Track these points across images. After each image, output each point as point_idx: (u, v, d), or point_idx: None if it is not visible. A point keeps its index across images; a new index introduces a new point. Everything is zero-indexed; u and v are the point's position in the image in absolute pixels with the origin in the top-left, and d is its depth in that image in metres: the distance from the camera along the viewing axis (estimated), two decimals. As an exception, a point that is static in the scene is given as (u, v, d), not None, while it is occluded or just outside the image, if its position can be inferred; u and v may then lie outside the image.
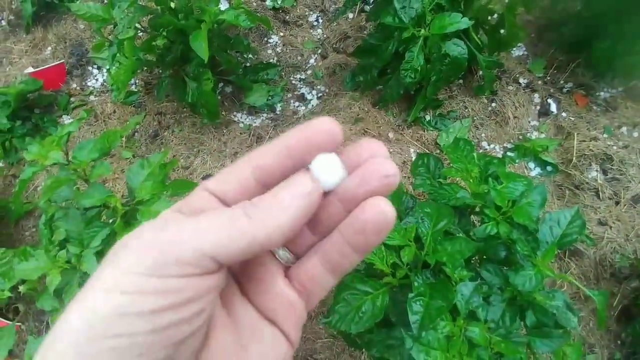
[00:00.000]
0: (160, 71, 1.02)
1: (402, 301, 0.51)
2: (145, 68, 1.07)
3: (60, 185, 0.61)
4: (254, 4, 1.28)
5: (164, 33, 0.83)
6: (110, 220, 0.63)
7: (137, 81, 1.13)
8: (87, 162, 0.60)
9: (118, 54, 0.87)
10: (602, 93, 1.00)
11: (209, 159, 1.05)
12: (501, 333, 0.51)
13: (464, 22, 0.70)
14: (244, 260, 0.15)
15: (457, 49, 0.73)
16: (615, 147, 0.93)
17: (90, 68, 1.19)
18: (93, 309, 0.13)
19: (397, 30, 0.74)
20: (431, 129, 0.96)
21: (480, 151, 0.95)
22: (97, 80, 1.17)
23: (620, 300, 0.84)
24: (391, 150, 0.93)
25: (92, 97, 1.15)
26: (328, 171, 0.16)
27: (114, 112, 1.13)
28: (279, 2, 1.26)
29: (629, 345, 0.84)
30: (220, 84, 1.11)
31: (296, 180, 0.15)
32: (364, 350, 0.73)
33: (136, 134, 1.05)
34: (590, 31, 0.92)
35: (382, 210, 0.15)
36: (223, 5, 1.28)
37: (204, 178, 1.01)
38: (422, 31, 0.68)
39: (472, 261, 0.59)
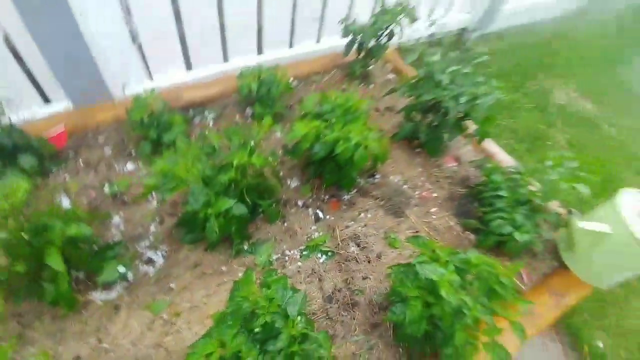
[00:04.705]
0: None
1: None
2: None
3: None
4: (93, 193, 1.57)
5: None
6: None
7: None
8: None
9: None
10: (345, 197, 1.64)
11: (72, 342, 1.18)
12: None
13: (237, 208, 1.18)
14: None
15: (239, 209, 1.20)
16: (361, 229, 1.53)
17: None
18: None
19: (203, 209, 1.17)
20: (250, 254, 1.38)
21: (287, 257, 1.41)
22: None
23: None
24: (225, 279, 1.30)
25: None
26: None
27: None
28: (116, 188, 1.58)
29: None
30: (72, 271, 1.30)
31: None
32: None
33: (-2, 341, 1.13)
34: (320, 167, 1.56)
35: None
36: (64, 202, 1.52)
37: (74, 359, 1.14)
38: (210, 210, 1.13)
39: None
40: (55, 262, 0.99)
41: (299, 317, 0.92)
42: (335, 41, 2.48)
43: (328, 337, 0.95)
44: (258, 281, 1.09)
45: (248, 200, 1.26)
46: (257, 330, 0.90)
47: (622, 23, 4.85)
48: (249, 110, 1.93)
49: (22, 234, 1.05)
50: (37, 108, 1.81)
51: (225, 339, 0.86)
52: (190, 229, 1.33)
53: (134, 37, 1.83)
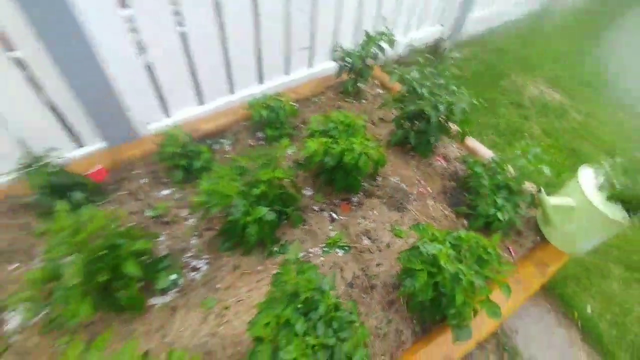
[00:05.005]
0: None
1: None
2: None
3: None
4: (137, 218, 1.81)
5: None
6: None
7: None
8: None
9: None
10: (354, 199, 1.90)
11: (140, 340, 1.41)
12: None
13: (269, 214, 1.44)
14: None
15: (270, 215, 1.46)
16: (370, 224, 1.79)
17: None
18: None
19: (243, 217, 1.43)
20: (280, 254, 1.63)
21: (310, 254, 1.66)
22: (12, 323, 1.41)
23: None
24: (262, 276, 1.55)
25: (13, 338, 1.39)
26: None
27: (37, 345, 1.38)
28: (157, 211, 1.82)
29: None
30: (135, 282, 1.54)
31: None
32: None
33: (80, 349, 1.36)
34: (331, 176, 1.83)
35: None
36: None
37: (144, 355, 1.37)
38: (249, 217, 1.39)
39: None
40: (132, 268, 1.23)
41: (331, 292, 1.17)
42: (326, 64, 2.79)
43: (356, 306, 1.20)
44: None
45: (275, 208, 1.51)
46: (300, 305, 1.15)
47: (577, 19, 5.26)
48: (259, 134, 2.20)
49: (100, 252, 1.29)
50: (74, 152, 2.07)
51: (276, 312, 1.11)
52: (228, 237, 1.58)
53: (152, 79, 2.11)
